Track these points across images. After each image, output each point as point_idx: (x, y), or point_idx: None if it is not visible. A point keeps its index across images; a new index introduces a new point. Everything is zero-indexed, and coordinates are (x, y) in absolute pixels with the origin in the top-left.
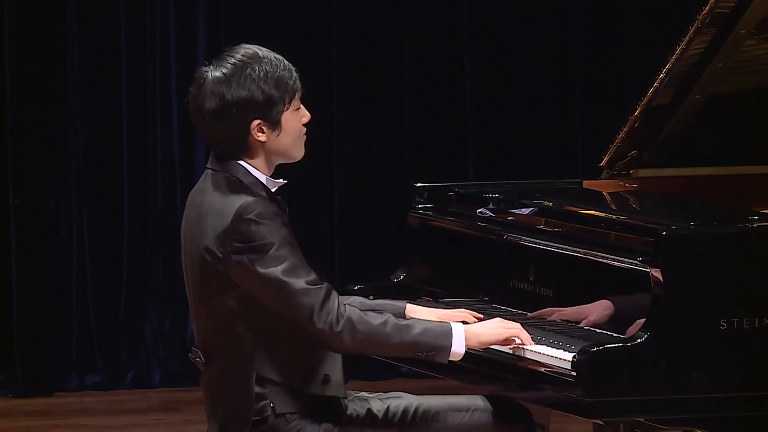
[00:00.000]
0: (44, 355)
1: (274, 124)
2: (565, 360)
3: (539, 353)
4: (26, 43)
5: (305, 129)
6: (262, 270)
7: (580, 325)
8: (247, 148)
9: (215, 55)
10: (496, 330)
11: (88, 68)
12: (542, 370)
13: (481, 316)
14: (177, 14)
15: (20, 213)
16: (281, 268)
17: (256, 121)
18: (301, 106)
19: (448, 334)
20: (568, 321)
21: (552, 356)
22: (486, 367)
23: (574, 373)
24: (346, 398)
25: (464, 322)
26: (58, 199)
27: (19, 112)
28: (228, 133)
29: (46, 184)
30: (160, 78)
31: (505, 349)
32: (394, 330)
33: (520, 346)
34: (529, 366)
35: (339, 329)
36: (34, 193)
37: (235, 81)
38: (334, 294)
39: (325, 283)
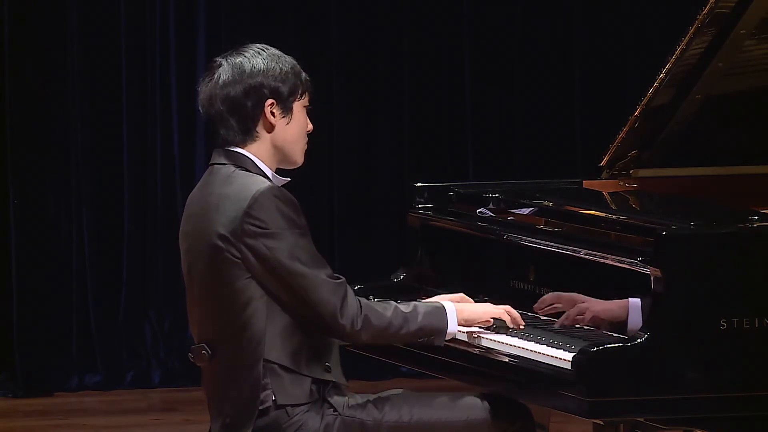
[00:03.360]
0: (44, 355)
1: (286, 110)
2: (565, 360)
3: (539, 353)
4: (26, 43)
5: (307, 137)
6: (284, 260)
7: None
8: (255, 134)
9: (215, 56)
10: (483, 309)
11: (88, 68)
12: (542, 369)
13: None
14: (177, 14)
15: (20, 213)
16: (304, 258)
17: (270, 101)
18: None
19: (443, 314)
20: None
21: (552, 356)
22: (486, 367)
23: (574, 373)
24: (346, 385)
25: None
26: (58, 199)
27: (19, 112)
28: (242, 109)
29: (46, 184)
30: (160, 78)
31: (505, 348)
32: (402, 320)
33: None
34: (529, 366)
35: (359, 327)
36: (34, 193)
37: (255, 60)
38: (350, 288)
39: (342, 277)
